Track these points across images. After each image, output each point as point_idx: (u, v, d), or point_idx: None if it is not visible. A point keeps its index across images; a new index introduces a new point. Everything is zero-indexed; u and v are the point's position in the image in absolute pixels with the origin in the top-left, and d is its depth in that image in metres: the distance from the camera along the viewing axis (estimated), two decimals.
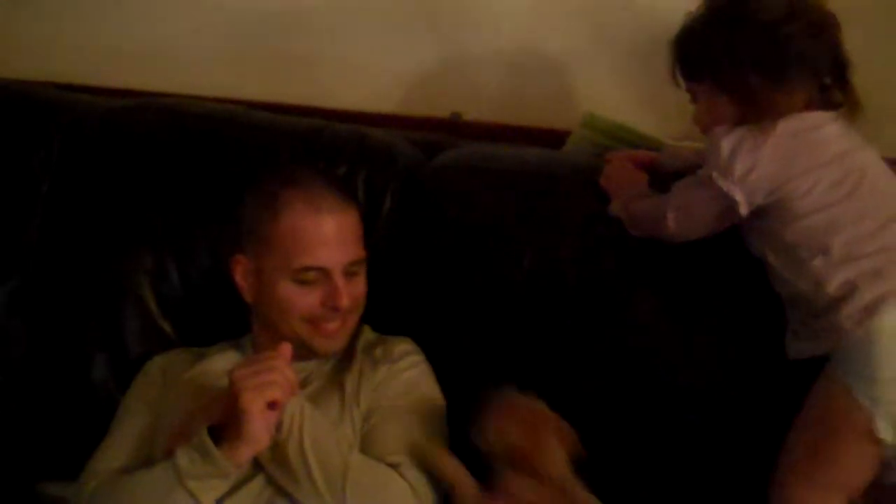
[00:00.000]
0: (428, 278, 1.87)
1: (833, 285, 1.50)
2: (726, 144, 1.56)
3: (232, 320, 1.80)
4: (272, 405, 1.46)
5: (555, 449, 1.50)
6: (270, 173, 1.77)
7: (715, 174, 1.57)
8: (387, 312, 1.85)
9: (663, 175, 1.76)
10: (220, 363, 1.73)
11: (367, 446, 1.62)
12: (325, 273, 1.66)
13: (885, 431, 1.45)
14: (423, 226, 1.89)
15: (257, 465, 1.55)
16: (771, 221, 1.57)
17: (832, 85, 1.61)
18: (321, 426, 1.56)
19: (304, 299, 1.67)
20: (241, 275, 1.72)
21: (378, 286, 1.79)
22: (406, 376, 1.72)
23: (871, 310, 1.46)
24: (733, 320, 1.71)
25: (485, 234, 1.83)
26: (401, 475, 1.56)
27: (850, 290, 1.48)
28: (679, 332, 1.73)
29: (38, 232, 2.01)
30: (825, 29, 1.59)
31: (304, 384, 1.70)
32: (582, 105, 2.07)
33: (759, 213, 1.58)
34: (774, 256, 1.58)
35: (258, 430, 1.46)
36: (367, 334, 1.81)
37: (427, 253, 1.88)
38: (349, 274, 1.68)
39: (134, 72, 2.33)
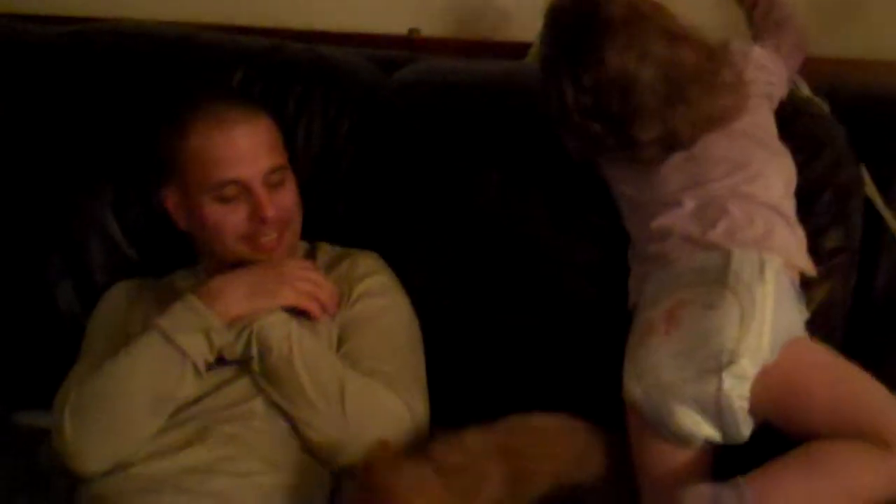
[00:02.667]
0: (393, 196, 1.85)
1: None
2: None
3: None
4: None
5: None
6: (177, 103, 1.75)
7: None
8: (353, 232, 1.84)
9: None
10: (182, 284, 1.74)
11: (348, 363, 1.63)
12: (244, 187, 1.63)
13: None
14: (385, 144, 1.87)
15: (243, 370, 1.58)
16: None
17: None
18: (311, 346, 1.58)
19: (232, 217, 1.65)
20: (173, 206, 1.71)
21: (342, 206, 1.80)
22: (375, 292, 1.71)
23: None
24: None
25: (451, 148, 1.82)
26: (393, 390, 1.59)
27: None
28: None
29: None
30: None
31: None
32: (540, 17, 2.04)
33: None
34: None
35: (265, 305, 1.57)
36: (326, 250, 1.81)
37: (391, 170, 1.86)
38: (272, 185, 1.65)
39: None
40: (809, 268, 1.53)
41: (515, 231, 1.76)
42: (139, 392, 1.55)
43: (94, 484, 1.56)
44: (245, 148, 1.64)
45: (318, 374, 1.55)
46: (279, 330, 1.56)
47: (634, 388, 1.46)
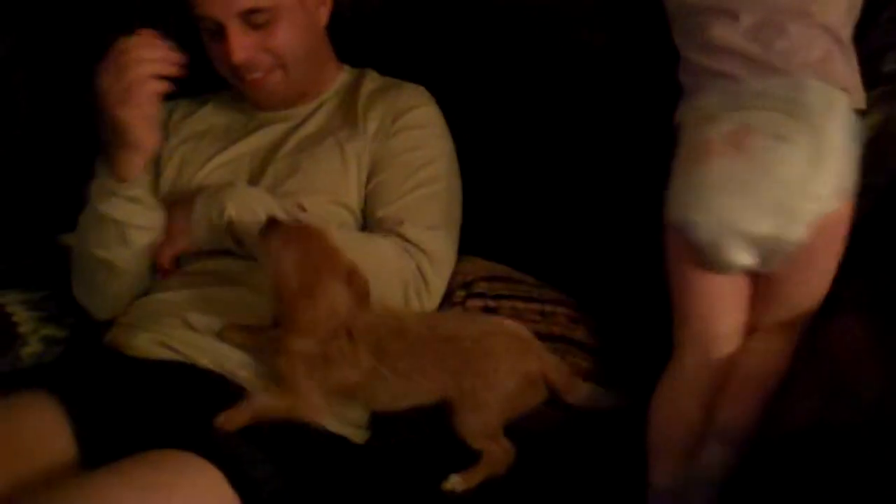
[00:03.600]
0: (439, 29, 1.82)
1: None
2: None
3: None
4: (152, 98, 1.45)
5: (332, 295, 1.39)
6: None
7: None
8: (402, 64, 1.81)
9: None
10: (217, 117, 1.75)
11: (372, 203, 1.63)
12: (218, 25, 1.57)
13: None
14: None
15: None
16: None
17: None
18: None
19: (217, 52, 1.62)
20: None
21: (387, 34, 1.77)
22: (417, 125, 1.68)
23: None
24: None
25: None
26: (399, 234, 1.57)
27: None
28: None
29: None
30: None
31: (296, 128, 1.69)
32: None
33: None
34: None
35: (142, 136, 1.47)
36: (374, 77, 1.77)
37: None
38: (254, 25, 1.57)
39: None
40: (862, 102, 1.47)
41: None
42: (90, 253, 1.58)
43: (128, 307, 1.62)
44: None
45: None
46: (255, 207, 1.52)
47: (685, 212, 1.42)
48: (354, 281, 1.40)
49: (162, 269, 1.59)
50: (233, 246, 1.54)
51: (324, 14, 1.69)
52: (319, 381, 1.40)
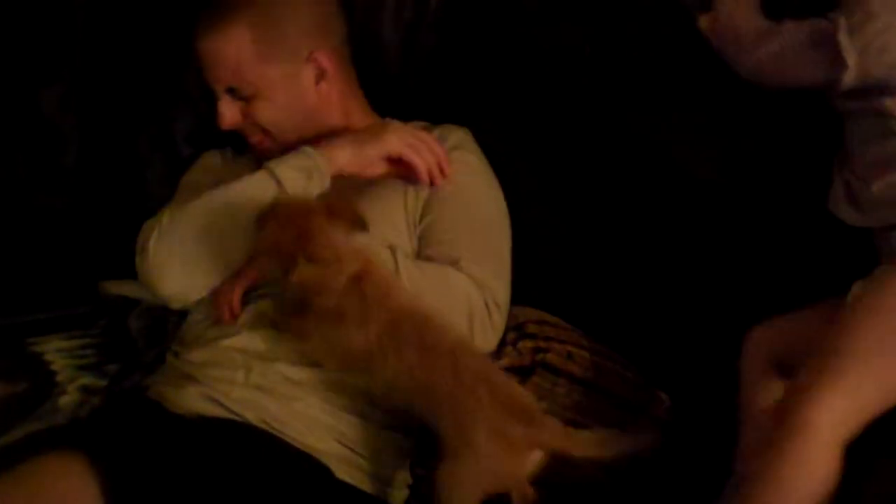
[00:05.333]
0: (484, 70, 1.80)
1: None
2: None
3: None
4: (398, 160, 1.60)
5: (321, 232, 1.42)
6: None
7: (843, 27, 1.46)
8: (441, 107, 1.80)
9: None
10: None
11: (424, 243, 1.61)
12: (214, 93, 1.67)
13: None
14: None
15: None
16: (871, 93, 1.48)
17: None
18: None
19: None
20: None
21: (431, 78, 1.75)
22: (463, 167, 1.67)
23: None
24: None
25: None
26: (460, 269, 1.55)
27: None
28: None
29: (83, 30, 1.95)
30: None
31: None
32: None
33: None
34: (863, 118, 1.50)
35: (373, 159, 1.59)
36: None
37: (483, 42, 1.81)
38: (240, 97, 1.65)
39: None
40: None
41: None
42: (230, 218, 1.54)
43: (182, 354, 1.58)
44: (206, 58, 1.65)
45: None
46: None
47: None
48: (336, 212, 1.43)
49: (226, 310, 1.56)
50: None
51: (324, 87, 1.69)
52: (331, 342, 1.41)
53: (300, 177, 1.55)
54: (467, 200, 1.64)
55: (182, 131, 1.92)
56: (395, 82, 1.85)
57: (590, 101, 1.75)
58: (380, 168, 1.63)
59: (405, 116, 1.76)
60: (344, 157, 1.59)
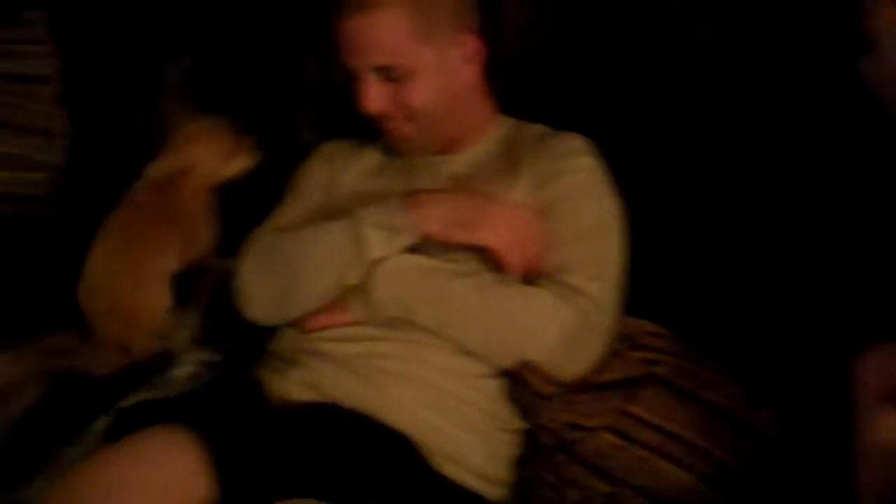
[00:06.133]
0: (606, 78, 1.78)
1: None
2: None
3: None
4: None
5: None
6: None
7: None
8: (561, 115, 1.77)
9: None
10: (373, 157, 1.75)
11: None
12: (357, 73, 1.60)
13: None
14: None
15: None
16: None
17: None
18: (430, 286, 1.53)
19: (356, 97, 1.62)
20: None
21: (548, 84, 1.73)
22: (580, 173, 1.64)
23: None
24: None
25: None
26: (561, 282, 1.53)
27: None
28: None
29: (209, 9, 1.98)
30: None
31: (450, 177, 1.67)
32: None
33: None
34: None
35: (462, 238, 1.54)
36: (532, 128, 1.74)
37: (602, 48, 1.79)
38: (389, 78, 1.58)
39: None
40: None
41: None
42: (313, 264, 1.55)
43: (279, 336, 1.61)
44: (356, 38, 1.58)
45: (465, 313, 1.51)
46: (406, 281, 1.53)
47: None
48: None
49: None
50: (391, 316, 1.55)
51: (469, 71, 1.66)
52: None
53: (381, 237, 1.53)
54: (578, 206, 1.61)
55: (302, 118, 1.92)
56: (516, 80, 1.82)
57: (719, 107, 1.71)
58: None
59: (524, 115, 1.75)
60: (431, 228, 1.54)
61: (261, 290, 1.59)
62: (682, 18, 1.73)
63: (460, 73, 1.64)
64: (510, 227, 1.56)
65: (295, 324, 1.60)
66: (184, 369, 1.70)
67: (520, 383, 1.52)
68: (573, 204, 1.60)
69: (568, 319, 1.50)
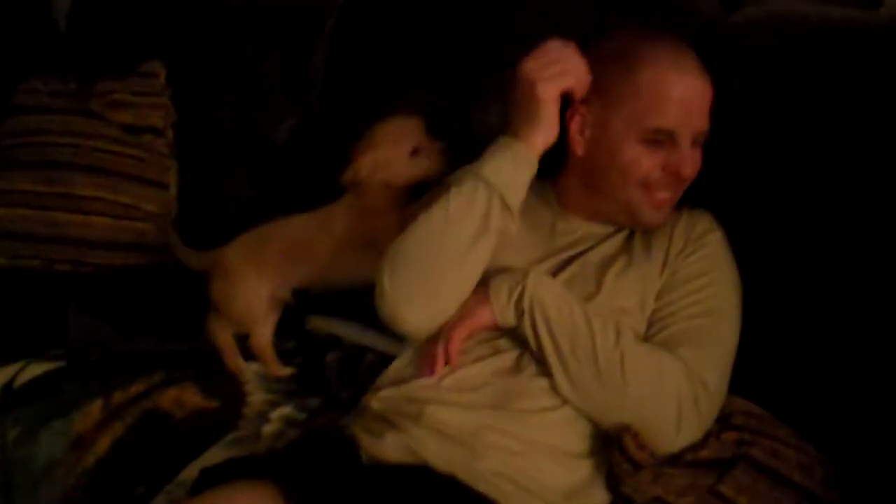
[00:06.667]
0: (720, 140, 1.72)
1: None
2: None
3: None
4: (566, 95, 1.54)
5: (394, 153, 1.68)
6: (619, 29, 1.70)
7: None
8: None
9: None
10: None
11: (654, 323, 1.57)
12: (673, 137, 1.57)
13: None
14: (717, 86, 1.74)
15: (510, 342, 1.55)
16: None
17: None
18: (573, 309, 1.50)
19: (647, 161, 1.58)
20: (579, 126, 1.63)
21: None
22: (710, 251, 1.63)
23: None
24: None
25: (783, 106, 1.68)
26: (678, 355, 1.50)
27: None
28: None
29: (323, 67, 2.02)
30: None
31: (600, 243, 1.66)
32: None
33: None
34: None
35: (553, 118, 1.53)
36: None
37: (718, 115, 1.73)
38: (696, 144, 1.59)
39: None
40: None
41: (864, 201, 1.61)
42: (451, 234, 1.52)
43: (376, 395, 1.57)
44: (693, 100, 1.57)
45: (593, 348, 1.48)
46: (554, 298, 1.51)
47: None
48: None
49: (439, 362, 1.54)
50: (524, 330, 1.52)
51: None
52: None
53: (508, 168, 1.53)
54: (704, 285, 1.59)
55: None
56: None
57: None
58: None
59: None
60: (540, 143, 1.54)
61: (405, 291, 1.53)
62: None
63: None
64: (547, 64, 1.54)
65: (417, 369, 1.58)
66: (271, 426, 1.71)
67: (615, 448, 1.48)
68: (700, 281, 1.59)
69: (686, 399, 1.49)
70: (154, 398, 1.74)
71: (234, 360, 1.80)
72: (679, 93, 1.55)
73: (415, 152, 1.71)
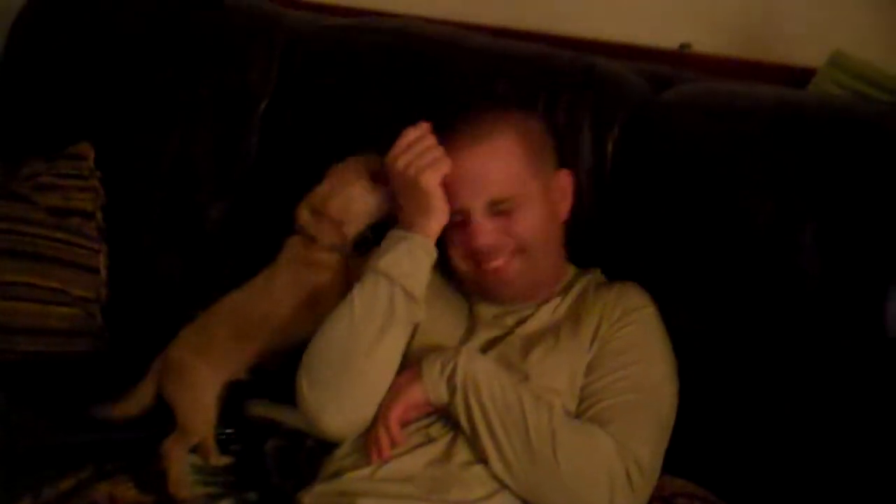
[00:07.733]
0: (655, 219, 1.75)
1: None
2: None
3: None
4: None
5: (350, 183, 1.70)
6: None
7: None
8: (611, 250, 1.78)
9: None
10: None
11: (584, 400, 1.56)
12: (464, 213, 1.59)
13: None
14: (649, 166, 1.76)
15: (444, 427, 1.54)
16: None
17: None
18: (504, 386, 1.50)
19: (456, 237, 1.62)
20: None
21: (605, 221, 1.75)
22: (639, 332, 1.62)
23: None
24: None
25: (717, 181, 1.69)
26: (609, 432, 1.50)
27: None
28: None
29: (256, 149, 2.02)
30: None
31: (520, 324, 1.65)
32: (830, 41, 1.87)
33: None
34: None
35: (442, 202, 1.56)
36: (598, 278, 1.73)
37: (653, 194, 1.76)
38: (498, 213, 1.58)
39: None
40: None
41: (788, 266, 1.63)
42: (358, 330, 1.54)
43: (310, 491, 1.56)
44: (467, 175, 1.58)
45: (525, 425, 1.47)
46: (486, 374, 1.51)
47: None
48: None
49: (384, 445, 1.52)
50: (456, 407, 1.50)
51: (564, 209, 1.69)
52: None
53: (403, 261, 1.54)
54: (634, 360, 1.59)
55: None
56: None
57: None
58: None
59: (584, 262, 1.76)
60: (436, 229, 1.58)
61: (322, 395, 1.55)
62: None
63: (559, 208, 1.67)
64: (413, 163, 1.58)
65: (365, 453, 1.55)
66: None
67: None
68: (630, 356, 1.59)
69: (618, 476, 1.48)
70: (87, 494, 1.68)
71: (186, 490, 1.71)
72: (454, 173, 1.58)
73: (375, 178, 1.70)
